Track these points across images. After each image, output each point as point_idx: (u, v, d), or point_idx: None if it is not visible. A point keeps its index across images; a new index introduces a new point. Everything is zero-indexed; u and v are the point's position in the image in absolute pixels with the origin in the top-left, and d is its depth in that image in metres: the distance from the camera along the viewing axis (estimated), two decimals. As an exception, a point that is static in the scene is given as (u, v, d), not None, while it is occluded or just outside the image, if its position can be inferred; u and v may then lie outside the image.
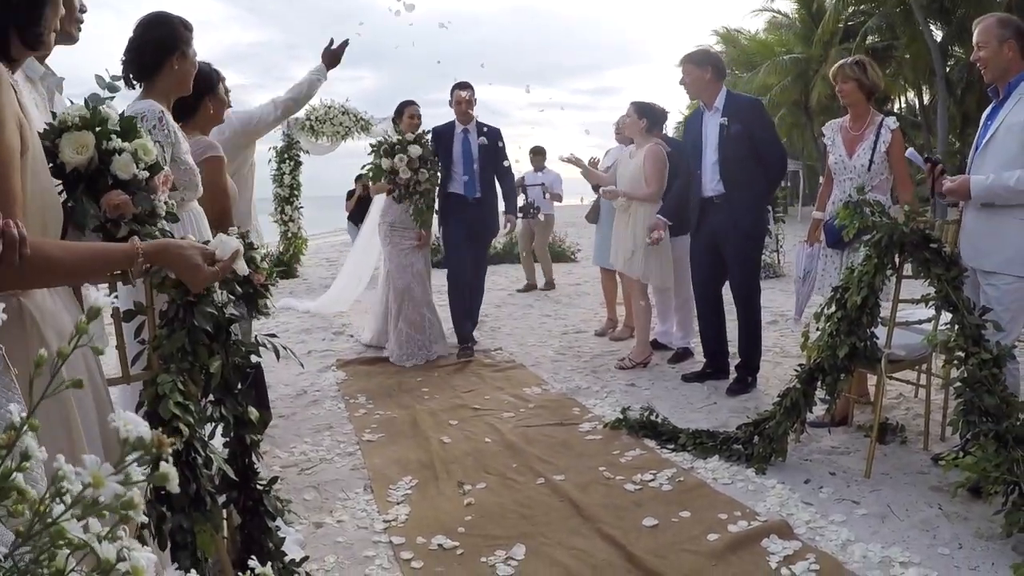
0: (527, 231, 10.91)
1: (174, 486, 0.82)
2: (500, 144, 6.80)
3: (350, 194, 12.66)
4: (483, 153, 6.63)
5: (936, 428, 4.30)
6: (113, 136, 2.18)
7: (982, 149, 3.66)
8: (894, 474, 3.84)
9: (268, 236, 10.61)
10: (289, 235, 12.89)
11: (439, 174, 6.50)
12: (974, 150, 3.74)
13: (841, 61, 4.65)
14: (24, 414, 0.78)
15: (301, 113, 12.56)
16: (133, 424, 0.82)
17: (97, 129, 2.16)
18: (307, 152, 12.95)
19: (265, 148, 12.94)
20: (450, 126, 6.68)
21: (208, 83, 3.71)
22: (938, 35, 26.36)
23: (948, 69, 27.27)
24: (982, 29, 3.64)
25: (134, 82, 3.05)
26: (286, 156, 12.83)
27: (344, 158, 13.69)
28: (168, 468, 0.82)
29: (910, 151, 4.04)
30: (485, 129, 6.70)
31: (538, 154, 11.05)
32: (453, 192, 6.60)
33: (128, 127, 2.24)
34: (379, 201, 6.98)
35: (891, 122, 4.46)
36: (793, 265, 5.33)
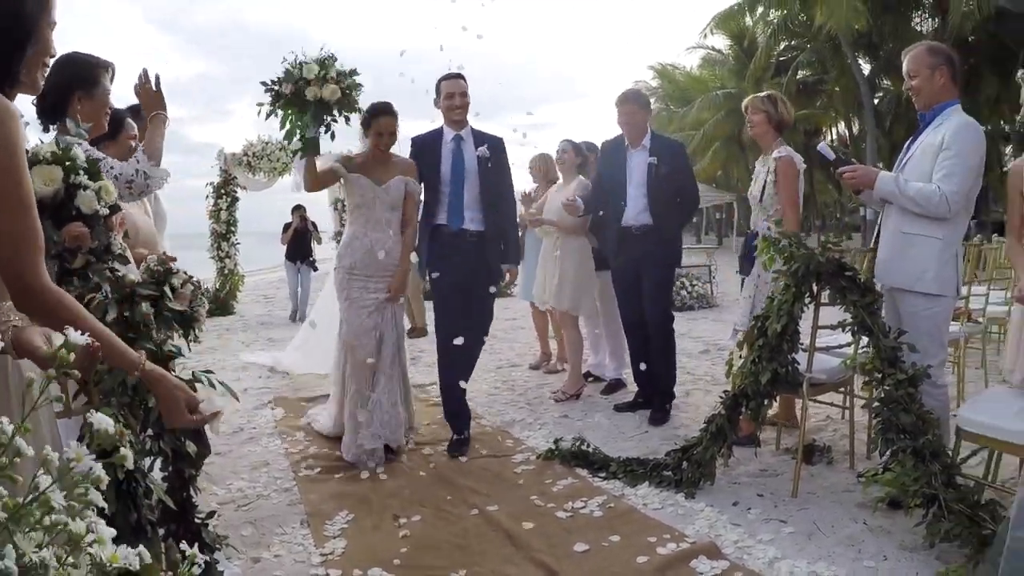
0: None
1: (130, 463, 1.10)
2: (504, 160, 5.13)
3: (286, 227, 11.98)
4: (484, 170, 4.92)
5: (862, 447, 4.44)
6: (81, 172, 2.36)
7: (899, 169, 3.79)
8: (821, 493, 3.96)
9: (205, 272, 10.44)
10: (226, 271, 12.77)
11: (355, 97, 4.57)
12: (895, 171, 3.84)
13: (749, 97, 4.87)
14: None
15: (238, 148, 12.56)
16: (102, 421, 1.07)
17: (67, 164, 2.34)
18: (244, 188, 12.91)
19: (202, 184, 12.84)
20: (436, 134, 5.01)
21: (114, 127, 3.67)
22: (866, 68, 27.33)
23: (876, 101, 28.24)
24: (912, 58, 3.73)
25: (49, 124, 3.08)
26: (223, 192, 12.76)
27: (281, 194, 13.60)
28: (126, 451, 1.10)
29: (821, 145, 4.13)
30: (485, 138, 5.01)
31: None
32: (441, 225, 4.91)
33: (94, 170, 2.42)
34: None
35: (781, 151, 4.64)
36: (726, 296, 5.48)
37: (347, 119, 4.57)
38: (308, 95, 4.36)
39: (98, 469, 1.00)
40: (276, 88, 4.42)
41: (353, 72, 4.50)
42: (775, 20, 27.99)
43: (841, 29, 22.96)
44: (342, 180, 4.75)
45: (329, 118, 4.51)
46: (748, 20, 30.49)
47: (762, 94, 4.83)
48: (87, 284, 2.35)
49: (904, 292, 3.75)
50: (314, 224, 12.00)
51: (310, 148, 4.57)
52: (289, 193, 11.57)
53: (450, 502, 3.99)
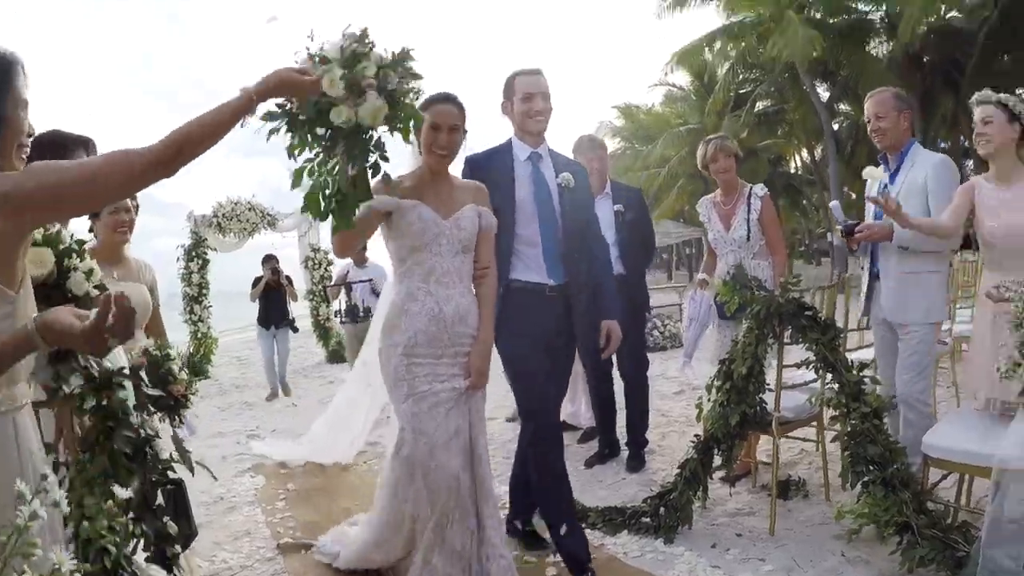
0: (355, 336, 8.42)
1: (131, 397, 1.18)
2: (589, 192, 4.05)
3: (256, 281, 10.00)
4: (566, 204, 3.70)
5: (836, 479, 4.51)
6: (73, 254, 2.39)
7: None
8: (798, 528, 4.03)
9: (178, 335, 10.22)
10: (199, 335, 12.72)
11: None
12: (878, 214, 4.09)
13: (715, 139, 4.95)
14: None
15: (208, 210, 12.61)
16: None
17: (58, 246, 2.36)
18: (214, 249, 12.92)
19: (171, 244, 12.81)
20: (501, 151, 3.76)
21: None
22: (824, 96, 27.82)
23: (836, 127, 28.71)
24: (880, 101, 4.10)
25: None
26: (194, 254, 12.75)
27: (251, 254, 13.54)
28: (129, 388, 1.21)
29: (834, 203, 4.39)
30: (565, 162, 3.88)
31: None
32: (519, 280, 3.64)
33: (80, 251, 2.45)
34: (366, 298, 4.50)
35: (759, 189, 4.80)
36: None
37: (405, 134, 2.47)
38: (336, 119, 2.31)
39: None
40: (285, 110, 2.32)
41: (404, 58, 2.46)
42: (734, 54, 28.47)
43: (797, 58, 23.43)
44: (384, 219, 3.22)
45: (376, 153, 2.45)
46: (708, 55, 30.99)
47: (720, 138, 4.96)
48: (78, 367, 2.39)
49: (911, 324, 4.04)
50: (288, 278, 10.25)
51: (352, 203, 2.47)
52: (260, 252, 11.09)
53: (434, 561, 4.00)
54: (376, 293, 8.42)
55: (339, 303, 8.79)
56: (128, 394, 2.41)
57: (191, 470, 2.54)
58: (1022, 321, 2.85)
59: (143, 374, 2.59)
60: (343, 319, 8.62)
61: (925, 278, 4.01)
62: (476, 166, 3.61)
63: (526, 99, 3.65)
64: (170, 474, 2.55)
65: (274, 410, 9.09)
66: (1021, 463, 2.89)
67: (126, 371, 2.51)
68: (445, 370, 3.22)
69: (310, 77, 2.10)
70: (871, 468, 3.48)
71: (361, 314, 8.57)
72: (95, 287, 2.50)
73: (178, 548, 2.61)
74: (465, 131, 3.28)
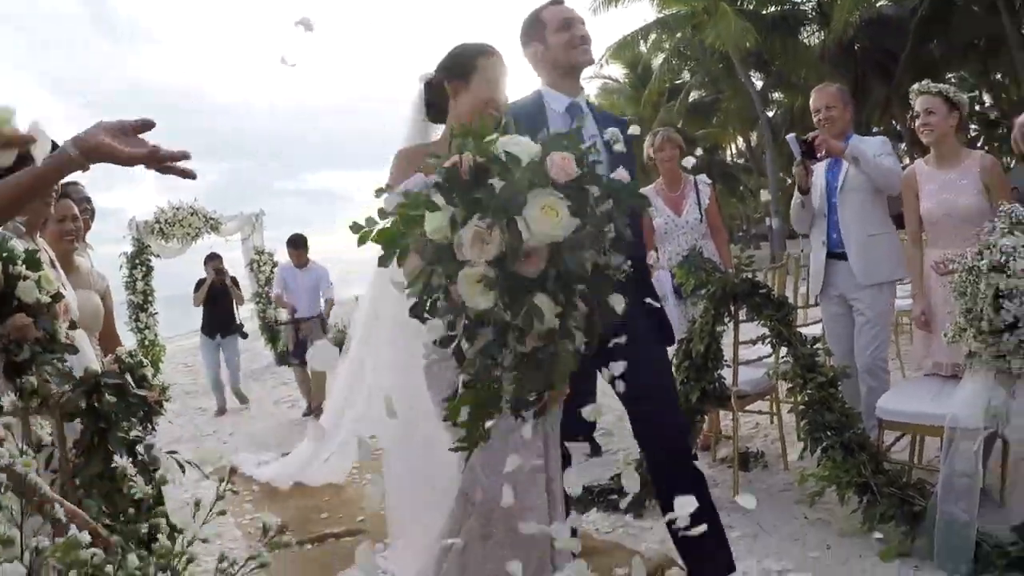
0: (307, 376, 8.08)
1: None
2: (634, 153, 2.75)
3: (199, 284, 9.10)
4: (619, 164, 1.98)
5: (792, 449, 4.67)
6: (19, 262, 2.37)
7: (843, 191, 4.28)
8: (760, 496, 4.12)
9: (124, 343, 9.85)
10: (146, 343, 12.50)
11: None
12: (830, 193, 4.36)
13: (662, 131, 5.09)
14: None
15: (150, 216, 12.36)
16: None
17: (4, 255, 2.34)
18: (157, 256, 12.69)
19: (112, 251, 12.53)
20: (534, 102, 2.94)
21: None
22: (759, 84, 28.28)
23: (771, 114, 29.21)
24: (830, 94, 4.39)
25: None
26: (137, 262, 12.51)
27: (195, 255, 13.23)
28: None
29: (790, 136, 4.51)
30: (608, 117, 3.16)
31: (299, 247, 8.09)
32: None
33: (32, 261, 2.43)
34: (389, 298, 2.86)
35: (704, 178, 4.99)
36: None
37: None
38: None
39: None
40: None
41: None
42: (668, 46, 28.80)
43: (731, 48, 23.80)
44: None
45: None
46: (643, 47, 31.28)
47: (666, 130, 5.10)
48: (37, 375, 2.39)
49: (880, 285, 4.27)
50: (234, 279, 9.52)
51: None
52: (203, 256, 10.44)
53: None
54: (324, 302, 8.16)
55: (284, 342, 8.40)
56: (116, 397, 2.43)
57: (183, 470, 2.56)
58: (965, 290, 3.02)
59: (128, 377, 2.60)
60: (292, 360, 7.96)
61: (886, 239, 4.29)
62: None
63: (564, 27, 2.87)
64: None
65: (229, 414, 8.99)
66: (969, 421, 3.08)
67: (114, 374, 2.52)
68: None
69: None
70: (829, 434, 3.62)
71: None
72: (51, 295, 2.48)
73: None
74: None
